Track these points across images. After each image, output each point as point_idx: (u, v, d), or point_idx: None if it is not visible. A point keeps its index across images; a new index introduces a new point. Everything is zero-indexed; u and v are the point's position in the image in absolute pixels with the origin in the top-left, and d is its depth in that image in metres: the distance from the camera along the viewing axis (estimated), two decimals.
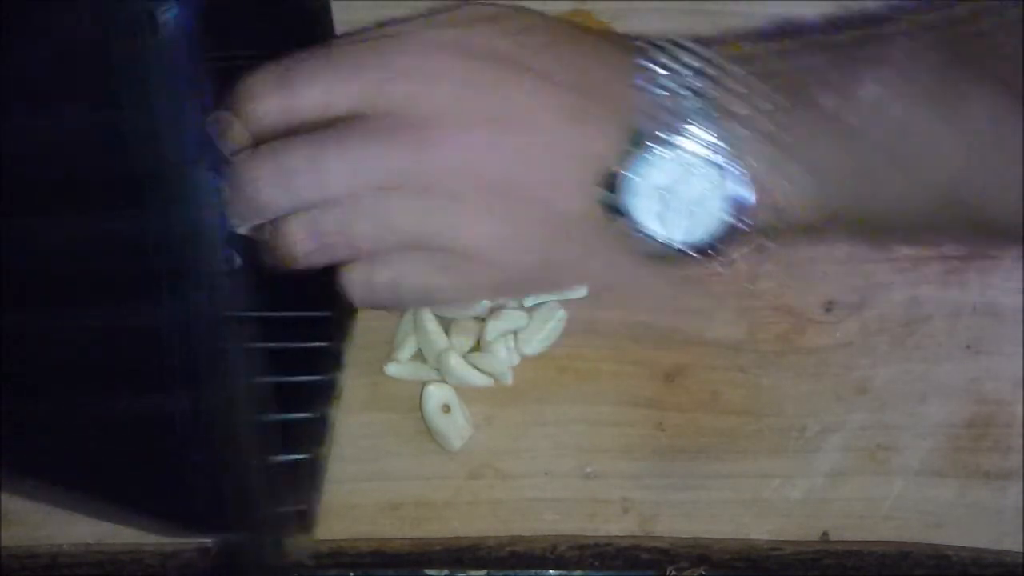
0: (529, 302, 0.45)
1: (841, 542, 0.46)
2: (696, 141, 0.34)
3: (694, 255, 0.36)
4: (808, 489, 0.46)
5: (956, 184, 0.34)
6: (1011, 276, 0.45)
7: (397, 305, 0.41)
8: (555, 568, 0.46)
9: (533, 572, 0.46)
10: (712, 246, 0.35)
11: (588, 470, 0.46)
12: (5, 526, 0.47)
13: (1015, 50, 0.33)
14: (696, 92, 0.34)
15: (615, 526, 0.46)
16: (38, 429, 0.36)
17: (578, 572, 0.46)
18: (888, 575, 0.45)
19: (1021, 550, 0.45)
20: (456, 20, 0.37)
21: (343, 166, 0.35)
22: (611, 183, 0.35)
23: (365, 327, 0.46)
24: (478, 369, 0.45)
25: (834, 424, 0.46)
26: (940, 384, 0.46)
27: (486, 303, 0.45)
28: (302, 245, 0.36)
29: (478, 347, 0.46)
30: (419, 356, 0.46)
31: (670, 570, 0.45)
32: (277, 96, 0.35)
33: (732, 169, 0.34)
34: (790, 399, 0.46)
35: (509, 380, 0.45)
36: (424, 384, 0.46)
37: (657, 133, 0.34)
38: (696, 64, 0.35)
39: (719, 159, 0.34)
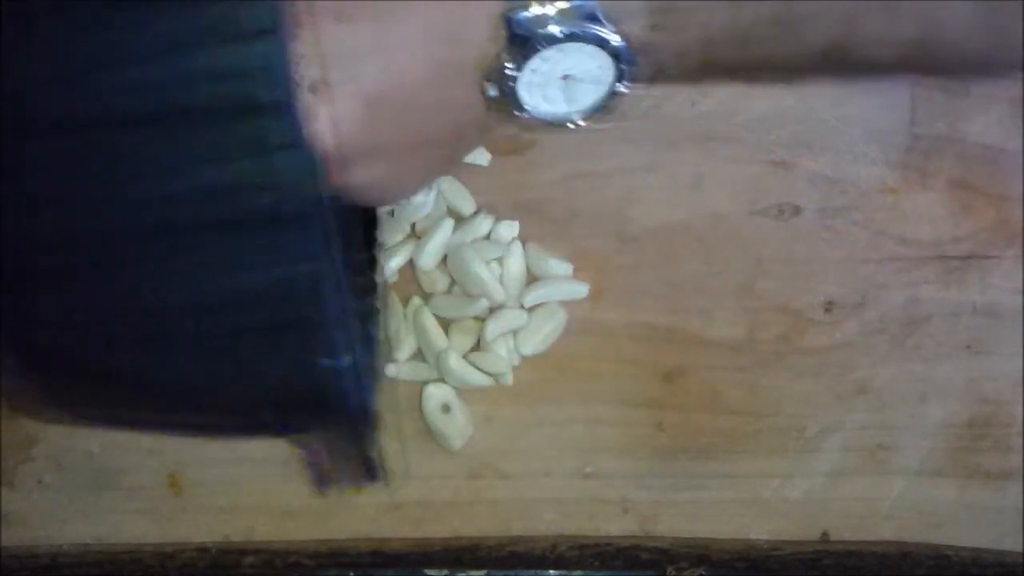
0: (529, 302, 0.45)
1: (841, 542, 0.46)
2: (581, 21, 0.33)
3: (582, 123, 0.36)
4: (808, 489, 0.46)
5: (839, 45, 0.34)
6: (1011, 276, 0.45)
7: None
8: (555, 568, 0.46)
9: (533, 572, 0.46)
10: (597, 110, 0.36)
11: (588, 470, 0.46)
12: (5, 526, 0.47)
13: None
14: None
15: (615, 526, 0.46)
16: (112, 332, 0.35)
17: (578, 572, 0.46)
18: (888, 575, 0.45)
19: (1021, 550, 0.45)
20: None
21: None
22: (492, 70, 0.34)
23: None
24: (478, 369, 0.45)
25: (834, 424, 0.46)
26: (940, 384, 0.46)
27: (485, 303, 0.45)
28: None
29: (478, 347, 0.46)
30: (418, 356, 0.46)
31: (670, 570, 0.45)
32: None
33: (610, 35, 0.33)
34: (790, 399, 0.46)
35: (509, 380, 0.45)
36: (424, 384, 0.46)
37: (528, 12, 0.34)
38: None
39: (596, 29, 0.34)
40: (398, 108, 0.35)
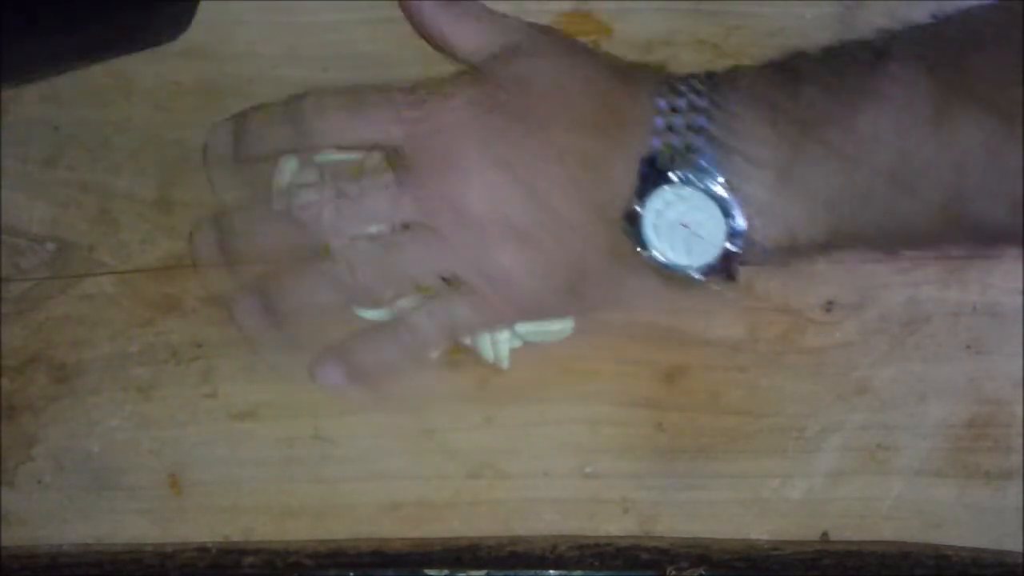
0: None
1: (841, 542, 0.46)
2: (701, 175, 0.38)
3: (701, 277, 0.39)
4: (808, 489, 0.46)
5: (952, 200, 0.37)
6: (1011, 276, 0.45)
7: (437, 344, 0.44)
8: (555, 568, 0.46)
9: (533, 572, 0.46)
10: (716, 268, 0.39)
11: (588, 470, 0.46)
12: (5, 526, 0.47)
13: (998, 75, 0.36)
14: (702, 129, 0.38)
15: (615, 526, 0.46)
16: None
17: (578, 572, 0.46)
18: (888, 575, 0.45)
19: (1021, 550, 0.45)
20: (486, 74, 0.41)
21: (376, 207, 0.41)
22: (627, 217, 0.39)
23: None
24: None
25: (834, 424, 0.46)
26: (940, 384, 0.46)
27: None
28: (337, 285, 0.42)
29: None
30: None
31: (670, 570, 0.45)
32: (341, 123, 0.42)
33: (733, 200, 0.38)
34: (790, 399, 0.46)
35: (506, 364, 0.45)
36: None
37: (667, 169, 0.38)
38: (704, 104, 0.38)
39: (721, 191, 0.38)
40: (541, 238, 0.40)
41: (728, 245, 0.38)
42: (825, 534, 0.46)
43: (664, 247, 0.39)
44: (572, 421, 0.46)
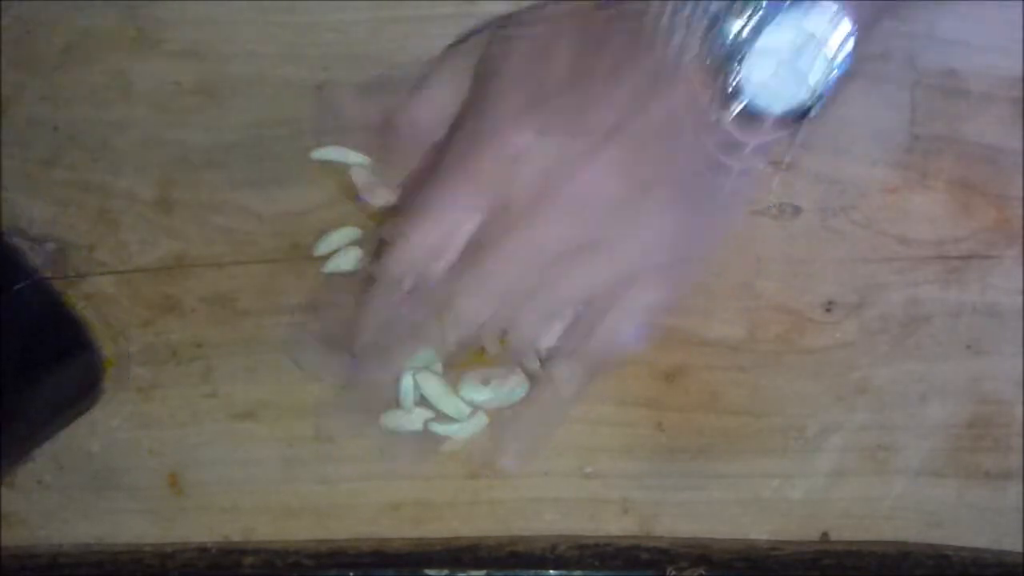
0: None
1: (841, 542, 0.46)
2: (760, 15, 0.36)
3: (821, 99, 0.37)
4: (808, 489, 0.46)
5: None
6: (1011, 276, 0.45)
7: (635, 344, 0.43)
8: (555, 568, 0.46)
9: (533, 572, 0.46)
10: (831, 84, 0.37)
11: (588, 470, 0.46)
12: (5, 526, 0.47)
13: None
14: None
15: (615, 526, 0.46)
16: None
17: (578, 572, 0.46)
18: (888, 575, 0.45)
19: (1021, 550, 0.45)
20: (501, 82, 0.40)
21: (530, 266, 0.39)
22: (729, 94, 0.37)
23: None
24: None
25: (834, 424, 0.46)
26: (940, 384, 0.46)
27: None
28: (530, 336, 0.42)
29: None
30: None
31: (670, 570, 0.45)
32: (431, 233, 0.40)
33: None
34: (790, 399, 0.46)
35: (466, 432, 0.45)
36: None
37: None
38: None
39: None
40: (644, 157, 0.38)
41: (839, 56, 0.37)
42: (825, 534, 0.46)
43: (771, 98, 0.37)
44: (572, 421, 0.46)
